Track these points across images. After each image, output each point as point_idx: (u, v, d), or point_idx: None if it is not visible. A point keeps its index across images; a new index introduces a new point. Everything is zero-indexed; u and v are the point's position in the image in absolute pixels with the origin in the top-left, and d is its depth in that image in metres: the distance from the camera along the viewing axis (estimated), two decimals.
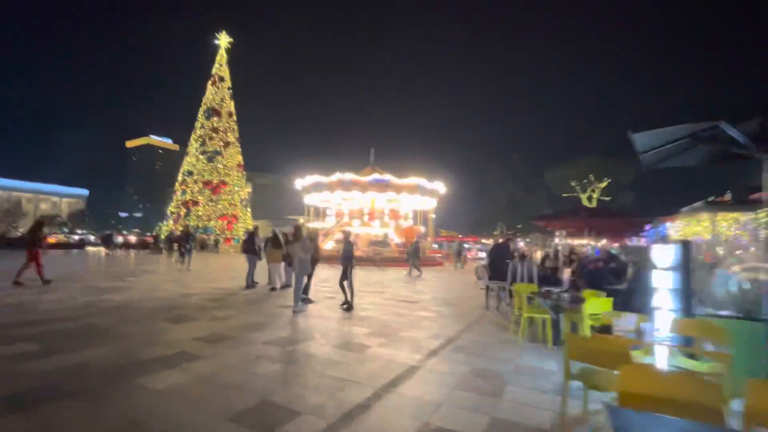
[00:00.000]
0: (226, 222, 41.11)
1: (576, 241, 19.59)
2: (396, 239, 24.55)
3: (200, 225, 38.65)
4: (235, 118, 45.46)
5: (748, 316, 3.51)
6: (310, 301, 7.80)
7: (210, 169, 42.03)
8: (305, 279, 7.54)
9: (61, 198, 76.87)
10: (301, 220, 25.95)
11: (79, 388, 3.21)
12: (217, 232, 39.70)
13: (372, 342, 5.06)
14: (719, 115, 3.16)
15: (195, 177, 41.73)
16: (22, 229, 43.72)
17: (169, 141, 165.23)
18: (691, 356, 3.39)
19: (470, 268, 19.51)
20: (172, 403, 3.01)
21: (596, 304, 4.81)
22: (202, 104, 44.09)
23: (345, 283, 7.46)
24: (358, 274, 15.05)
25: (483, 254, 34.12)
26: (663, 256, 3.84)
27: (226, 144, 43.68)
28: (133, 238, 40.72)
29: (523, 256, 7.41)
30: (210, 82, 44.68)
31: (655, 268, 4.01)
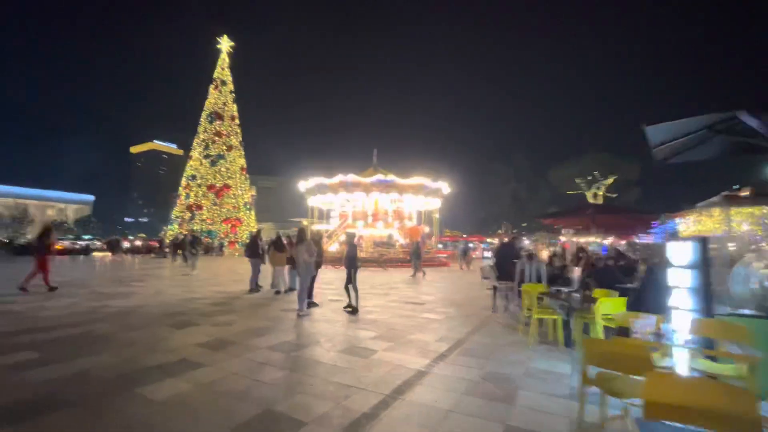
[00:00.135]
0: (230, 225, 41.17)
1: (582, 239, 19.37)
2: (401, 240, 24.42)
3: (204, 229, 38.71)
4: (237, 121, 45.57)
5: None
6: (314, 305, 7.70)
7: (213, 173, 42.14)
8: (310, 282, 7.45)
9: (67, 204, 77.46)
10: (305, 222, 25.90)
11: (78, 398, 3.11)
12: (221, 235, 39.77)
13: (378, 346, 4.94)
14: (737, 106, 3.02)
15: (199, 181, 41.84)
16: (29, 235, 44.01)
17: (174, 146, 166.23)
18: (712, 358, 3.24)
19: (475, 269, 19.33)
20: (173, 414, 2.90)
21: (609, 304, 4.66)
22: (205, 108, 44.21)
23: (350, 286, 7.35)
24: (363, 275, 14.97)
25: (488, 254, 33.92)
26: (679, 253, 3.69)
27: (229, 147, 43.78)
28: (138, 243, 40.90)
29: (531, 256, 7.25)
30: (212, 86, 44.81)
31: (671, 265, 3.87)
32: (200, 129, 43.76)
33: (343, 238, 20.29)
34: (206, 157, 42.50)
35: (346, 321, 6.57)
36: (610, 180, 37.37)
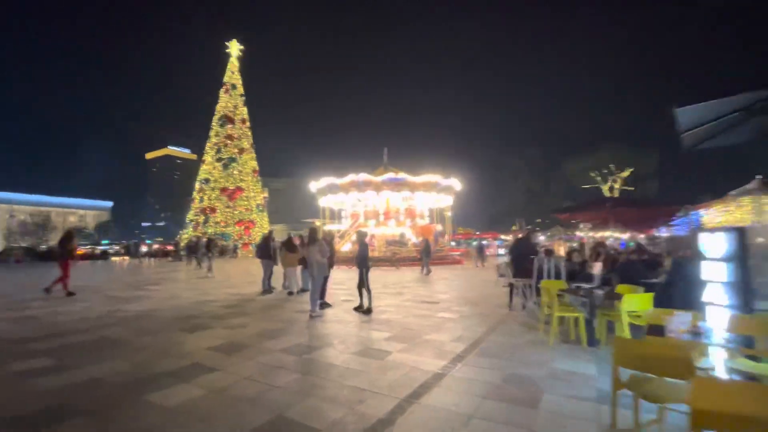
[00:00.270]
0: (243, 227, 41.63)
1: (600, 234, 18.86)
2: (413, 238, 24.22)
3: (218, 231, 39.21)
4: (248, 124, 46.08)
5: None
6: (327, 305, 7.60)
7: (226, 176, 42.66)
8: (322, 282, 7.36)
9: (87, 211, 79.52)
10: (318, 223, 25.94)
11: (88, 406, 3.06)
12: (235, 237, 40.21)
13: (393, 347, 4.79)
14: None
15: (212, 184, 42.44)
16: (51, 242, 45.29)
17: (188, 151, 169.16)
18: (753, 357, 3.00)
19: (490, 266, 19.03)
20: (184, 421, 2.82)
21: (635, 301, 4.42)
22: (216, 112, 44.82)
23: (363, 287, 7.23)
24: (375, 274, 14.84)
25: (502, 251, 33.44)
26: (713, 245, 3.45)
27: (241, 150, 44.28)
28: (155, 247, 41.71)
29: (549, 251, 7.01)
30: (223, 90, 45.39)
31: (703, 258, 3.63)
32: (212, 133, 44.37)
33: (354, 237, 20.23)
34: (218, 160, 43.06)
35: (359, 322, 6.45)
36: (627, 172, 36.36)
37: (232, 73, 46.11)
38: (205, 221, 40.91)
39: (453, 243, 32.85)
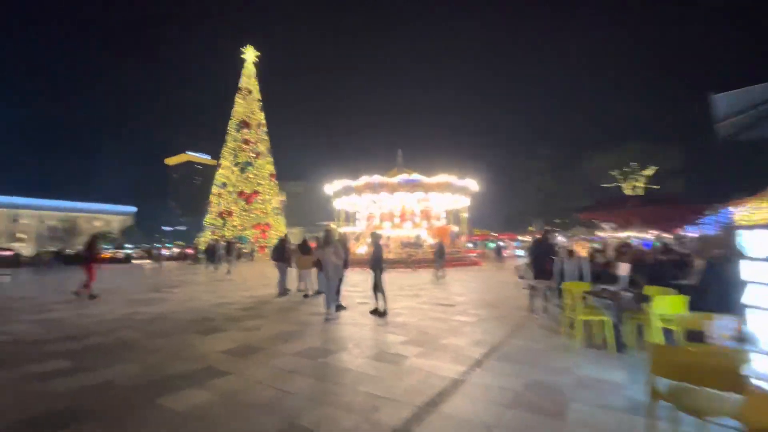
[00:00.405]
0: (260, 230, 42.13)
1: (623, 234, 18.21)
2: (429, 240, 23.97)
3: (236, 234, 39.78)
4: (264, 128, 46.67)
5: None
6: (342, 308, 7.51)
7: (243, 180, 43.31)
8: (337, 285, 7.27)
9: (112, 216, 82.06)
10: (333, 226, 26.00)
11: (100, 409, 3.03)
12: (252, 240, 40.73)
13: (409, 352, 4.65)
14: None
15: (229, 188, 43.13)
16: (78, 246, 46.88)
17: (207, 156, 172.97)
18: None
19: (508, 267, 18.63)
20: (192, 428, 2.75)
21: (667, 303, 4.16)
22: (233, 117, 45.57)
23: (378, 289, 7.11)
24: (391, 276, 14.68)
25: (520, 252, 32.76)
26: (755, 244, 3.18)
27: (257, 154, 44.89)
28: (176, 250, 42.66)
29: (570, 252, 6.72)
30: (239, 96, 46.15)
31: (744, 258, 3.36)
32: (228, 138, 45.13)
33: (369, 239, 20.15)
34: (236, 164, 43.76)
35: (374, 325, 6.33)
36: (650, 170, 35.04)
37: (248, 78, 46.87)
38: (223, 225, 41.60)
39: (469, 244, 32.38)
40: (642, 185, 34.03)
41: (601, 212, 13.16)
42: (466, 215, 28.20)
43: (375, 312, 7.06)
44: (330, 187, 26.70)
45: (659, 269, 5.93)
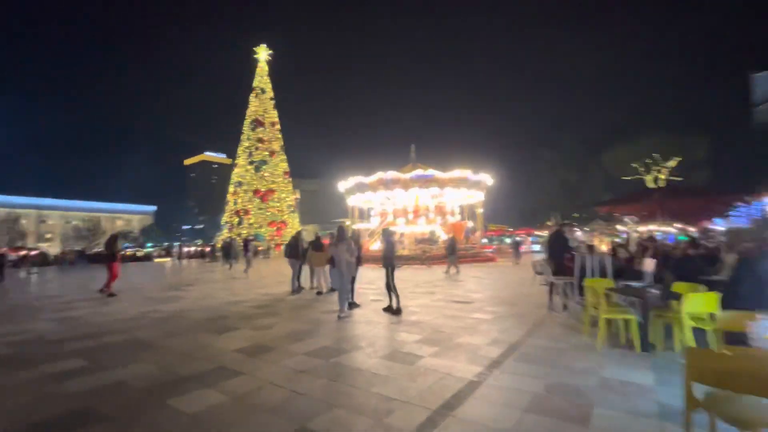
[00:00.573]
0: (275, 228, 42.58)
1: (646, 227, 17.57)
2: (444, 236, 23.70)
3: (252, 232, 40.30)
4: (278, 127, 47.02)
5: None
6: (355, 306, 7.43)
7: (258, 179, 43.80)
8: (350, 282, 7.19)
9: (133, 215, 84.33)
10: (347, 222, 26.00)
11: (111, 410, 3.01)
12: (268, 238, 41.19)
13: (424, 351, 4.52)
14: None
15: (245, 187, 43.70)
16: (100, 245, 48.33)
17: (223, 156, 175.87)
18: None
19: (525, 262, 18.24)
20: (201, 430, 2.69)
21: (698, 301, 3.90)
22: (247, 116, 46.09)
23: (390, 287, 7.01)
24: (405, 273, 14.55)
25: (537, 247, 32.11)
26: None
27: (272, 153, 45.30)
28: (192, 249, 43.58)
29: (591, 247, 6.46)
30: (253, 95, 46.60)
31: None
32: (243, 137, 45.69)
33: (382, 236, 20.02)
34: (251, 163, 44.27)
35: (388, 323, 6.22)
36: (674, 162, 33.74)
37: (262, 77, 47.24)
38: (239, 223, 42.21)
39: (485, 240, 31.92)
40: (664, 177, 32.84)
41: (621, 205, 12.68)
42: (481, 210, 27.78)
43: (388, 309, 6.95)
44: (343, 184, 26.67)
45: (688, 264, 5.62)
